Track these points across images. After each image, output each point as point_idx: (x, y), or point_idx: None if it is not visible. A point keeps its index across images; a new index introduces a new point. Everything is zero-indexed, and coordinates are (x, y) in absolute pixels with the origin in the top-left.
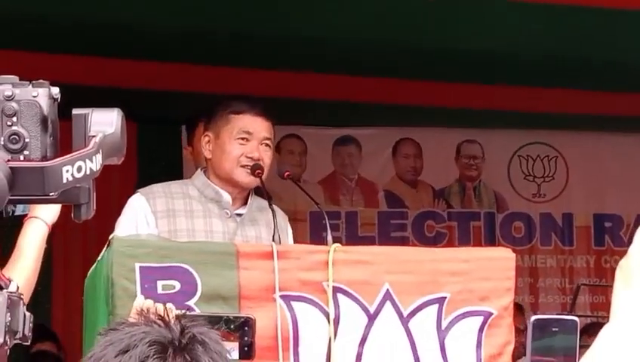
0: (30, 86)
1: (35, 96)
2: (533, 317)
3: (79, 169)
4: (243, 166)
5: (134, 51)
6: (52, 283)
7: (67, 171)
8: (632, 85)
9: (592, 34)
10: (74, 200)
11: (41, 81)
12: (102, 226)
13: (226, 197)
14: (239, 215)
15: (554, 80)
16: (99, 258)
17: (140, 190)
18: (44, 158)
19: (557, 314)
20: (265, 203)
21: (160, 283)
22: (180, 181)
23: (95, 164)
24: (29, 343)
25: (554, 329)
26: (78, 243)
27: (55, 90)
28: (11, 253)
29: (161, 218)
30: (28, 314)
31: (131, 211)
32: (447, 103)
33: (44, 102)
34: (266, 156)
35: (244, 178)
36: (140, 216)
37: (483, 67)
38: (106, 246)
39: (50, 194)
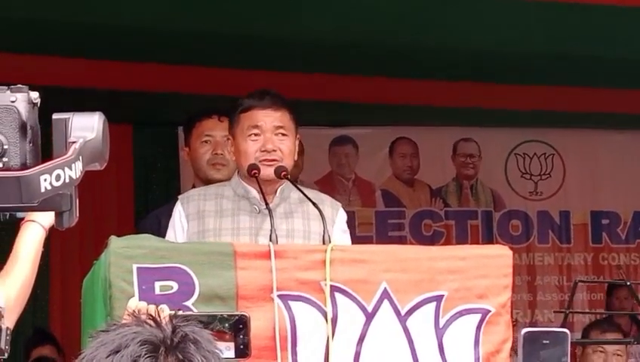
0: (8, 91)
1: (13, 102)
2: (524, 330)
3: (58, 177)
4: (261, 161)
5: (129, 53)
6: (50, 286)
7: (45, 180)
8: (627, 82)
9: (587, 31)
10: (56, 208)
11: (19, 85)
12: (99, 228)
13: (253, 193)
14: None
15: (550, 78)
16: (97, 259)
17: (180, 195)
18: (24, 165)
19: (547, 327)
20: (309, 192)
21: (157, 284)
22: (222, 183)
23: (75, 171)
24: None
25: (544, 341)
26: (76, 245)
27: (34, 95)
28: (8, 256)
29: (192, 220)
30: (4, 326)
31: (172, 217)
32: (444, 102)
33: (22, 107)
34: (283, 145)
35: (264, 171)
36: (177, 221)
37: (479, 66)
38: (104, 247)
39: (30, 202)
